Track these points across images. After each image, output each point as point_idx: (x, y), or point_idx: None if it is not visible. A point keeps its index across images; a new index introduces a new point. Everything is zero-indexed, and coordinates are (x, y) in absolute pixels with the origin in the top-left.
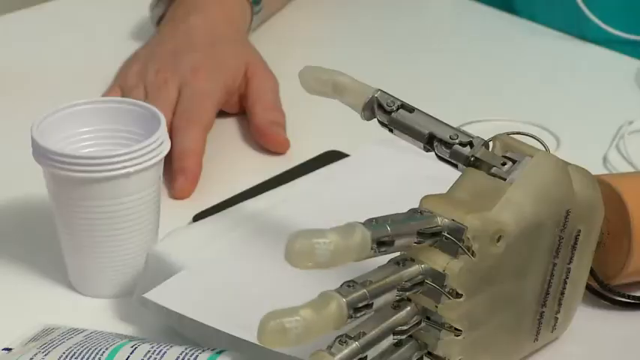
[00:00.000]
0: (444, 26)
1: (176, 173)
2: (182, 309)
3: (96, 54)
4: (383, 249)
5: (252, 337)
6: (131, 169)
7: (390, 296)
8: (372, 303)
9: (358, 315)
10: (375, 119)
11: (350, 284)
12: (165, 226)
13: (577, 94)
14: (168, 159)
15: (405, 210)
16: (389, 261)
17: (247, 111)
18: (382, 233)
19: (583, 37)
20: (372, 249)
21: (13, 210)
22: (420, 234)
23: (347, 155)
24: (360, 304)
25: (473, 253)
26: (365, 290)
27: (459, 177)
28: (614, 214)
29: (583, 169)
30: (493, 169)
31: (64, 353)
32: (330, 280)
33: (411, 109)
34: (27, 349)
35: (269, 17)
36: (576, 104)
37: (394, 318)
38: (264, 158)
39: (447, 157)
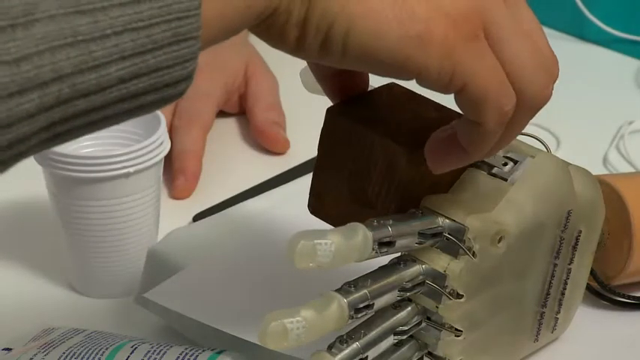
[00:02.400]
0: None
1: (176, 173)
2: (182, 309)
3: None
4: (384, 249)
5: (252, 337)
6: (131, 169)
7: (391, 297)
8: (373, 303)
9: (359, 315)
10: None
11: (351, 285)
12: (165, 226)
13: (577, 94)
14: (169, 159)
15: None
16: (390, 261)
17: (247, 111)
18: (384, 234)
19: (583, 37)
20: (373, 250)
21: (13, 210)
22: (421, 234)
23: None
24: (361, 305)
25: (474, 254)
26: (366, 291)
27: (460, 177)
28: (615, 214)
29: (584, 169)
30: (494, 170)
31: (64, 353)
32: (330, 280)
33: None
34: (27, 349)
35: None
36: (576, 104)
37: (395, 318)
38: (264, 158)
39: None
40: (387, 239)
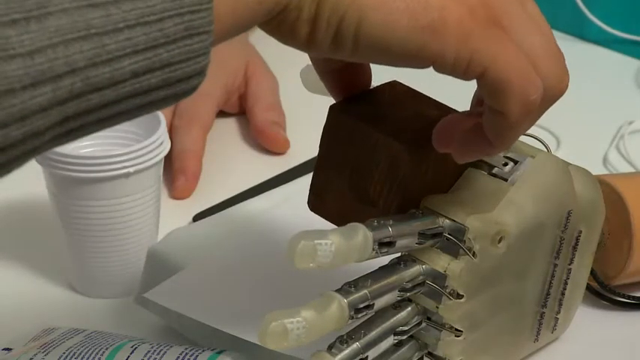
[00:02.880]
0: None
1: (176, 173)
2: (182, 309)
3: None
4: (384, 250)
5: (252, 337)
6: (131, 169)
7: (392, 297)
8: (374, 304)
9: (359, 315)
10: None
11: (351, 285)
12: (165, 226)
13: (577, 94)
14: (169, 159)
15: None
16: (390, 261)
17: (247, 111)
18: (384, 234)
19: (583, 37)
20: (373, 250)
21: (13, 210)
22: (421, 235)
23: None
24: (362, 305)
25: (474, 254)
26: (366, 291)
27: (461, 177)
28: (615, 214)
29: (584, 169)
30: (494, 170)
31: (64, 353)
32: (331, 279)
33: None
34: (27, 349)
35: None
36: (576, 104)
37: (395, 318)
38: (264, 158)
39: None
40: (388, 239)
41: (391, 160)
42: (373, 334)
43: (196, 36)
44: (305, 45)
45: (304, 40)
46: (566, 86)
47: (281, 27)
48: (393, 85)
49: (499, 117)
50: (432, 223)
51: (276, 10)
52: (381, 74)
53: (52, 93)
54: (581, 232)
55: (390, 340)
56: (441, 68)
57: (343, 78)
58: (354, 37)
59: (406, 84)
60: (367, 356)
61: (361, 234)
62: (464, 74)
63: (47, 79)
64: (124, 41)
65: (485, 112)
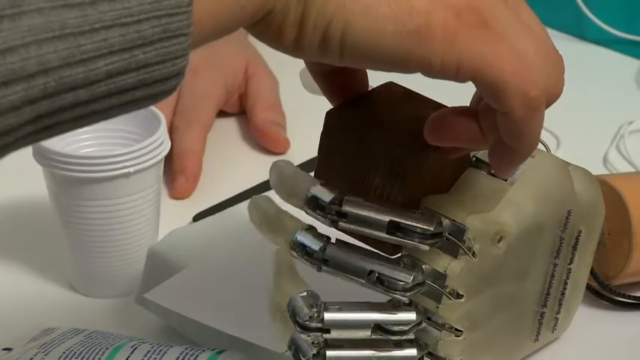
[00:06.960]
0: None
1: (176, 173)
2: (182, 309)
3: None
4: (315, 210)
5: (252, 337)
6: (131, 169)
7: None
8: (327, 252)
9: (305, 257)
10: None
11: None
12: (165, 226)
13: (577, 94)
14: (169, 159)
15: None
16: (393, 258)
17: (247, 111)
18: (329, 197)
19: (583, 37)
20: (304, 203)
21: (13, 210)
22: (420, 235)
23: None
24: (314, 247)
25: (474, 254)
26: (322, 245)
27: (460, 177)
28: (615, 214)
29: (584, 169)
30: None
31: (64, 353)
32: (331, 282)
33: None
34: (27, 349)
35: None
36: (576, 104)
37: (384, 316)
38: (264, 158)
39: None
40: (328, 202)
41: (390, 164)
42: (349, 316)
43: (174, 38)
44: (292, 49)
45: (291, 45)
46: (561, 90)
47: (267, 31)
48: (389, 87)
49: (506, 118)
50: (431, 223)
51: (260, 14)
52: (378, 74)
53: (24, 92)
54: (581, 231)
55: (367, 333)
56: (430, 73)
57: (338, 81)
58: (341, 42)
59: (403, 84)
60: (329, 329)
61: (303, 179)
62: (456, 77)
63: (19, 78)
64: (100, 42)
65: (498, 118)
